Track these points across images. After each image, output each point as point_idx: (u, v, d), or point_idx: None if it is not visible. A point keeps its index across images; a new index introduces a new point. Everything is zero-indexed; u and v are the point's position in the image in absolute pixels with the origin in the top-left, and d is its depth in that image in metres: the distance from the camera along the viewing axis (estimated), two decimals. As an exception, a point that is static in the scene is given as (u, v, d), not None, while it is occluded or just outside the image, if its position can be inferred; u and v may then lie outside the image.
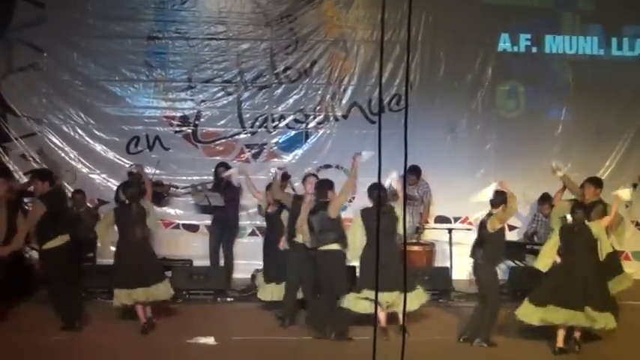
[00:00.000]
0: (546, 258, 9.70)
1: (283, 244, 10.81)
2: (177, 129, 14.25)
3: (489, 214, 9.77)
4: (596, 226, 9.52)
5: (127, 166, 13.34)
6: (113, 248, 10.44)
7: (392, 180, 10.00)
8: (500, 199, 9.70)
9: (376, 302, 9.04)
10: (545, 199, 12.67)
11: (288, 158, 14.26)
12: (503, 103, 14.60)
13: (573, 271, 9.43)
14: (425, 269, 12.49)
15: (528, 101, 14.66)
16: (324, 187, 10.32)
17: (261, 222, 13.20)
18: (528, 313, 9.56)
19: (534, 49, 14.53)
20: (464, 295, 12.29)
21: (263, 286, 11.20)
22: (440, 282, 12.28)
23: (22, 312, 10.85)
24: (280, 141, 14.40)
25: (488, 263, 9.77)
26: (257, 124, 14.31)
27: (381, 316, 9.89)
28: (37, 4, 13.72)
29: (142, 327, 10.00)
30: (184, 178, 13.99)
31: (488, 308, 9.76)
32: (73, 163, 13.93)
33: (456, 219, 14.30)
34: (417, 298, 10.10)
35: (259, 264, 12.41)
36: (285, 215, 10.94)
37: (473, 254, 9.93)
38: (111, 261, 12.51)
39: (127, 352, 9.40)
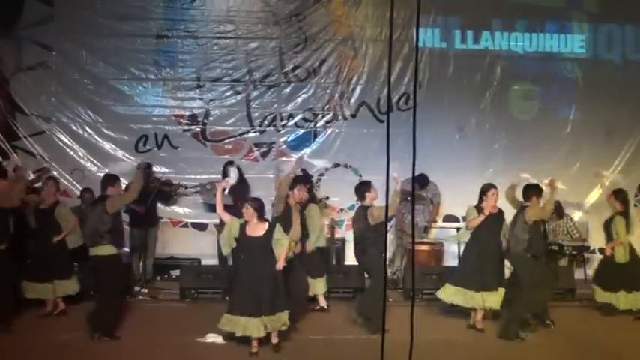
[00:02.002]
0: None
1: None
2: (186, 128, 14.27)
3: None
4: None
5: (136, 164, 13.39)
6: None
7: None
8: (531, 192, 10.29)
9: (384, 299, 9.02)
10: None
11: (296, 157, 14.26)
12: (514, 102, 14.60)
13: None
14: (433, 268, 12.48)
15: (537, 100, 14.65)
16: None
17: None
18: None
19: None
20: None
21: None
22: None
23: (33, 311, 10.85)
24: (289, 140, 14.40)
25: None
26: (266, 122, 14.32)
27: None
28: (46, 3, 13.76)
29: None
30: (193, 176, 13.99)
31: None
32: (81, 161, 13.94)
33: (465, 218, 14.25)
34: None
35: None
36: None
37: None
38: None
39: (136, 351, 9.41)
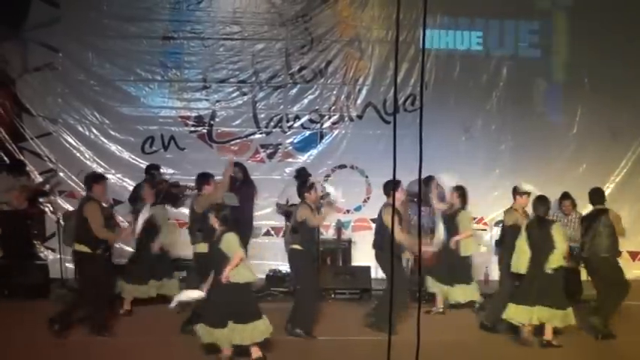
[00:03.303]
0: None
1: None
2: (192, 129, 14.27)
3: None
4: None
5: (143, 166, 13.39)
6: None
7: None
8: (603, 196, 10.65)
9: (390, 302, 9.01)
10: (566, 197, 12.63)
11: (302, 158, 14.27)
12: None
13: None
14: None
15: (543, 101, 14.64)
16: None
17: (276, 221, 13.32)
18: None
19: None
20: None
21: None
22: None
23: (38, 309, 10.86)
24: (295, 141, 14.39)
25: None
26: (272, 124, 14.31)
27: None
28: (52, 4, 13.74)
29: None
30: (199, 178, 13.97)
31: None
32: (88, 162, 13.95)
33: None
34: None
35: (274, 264, 12.47)
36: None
37: None
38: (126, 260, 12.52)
39: (141, 351, 9.41)
